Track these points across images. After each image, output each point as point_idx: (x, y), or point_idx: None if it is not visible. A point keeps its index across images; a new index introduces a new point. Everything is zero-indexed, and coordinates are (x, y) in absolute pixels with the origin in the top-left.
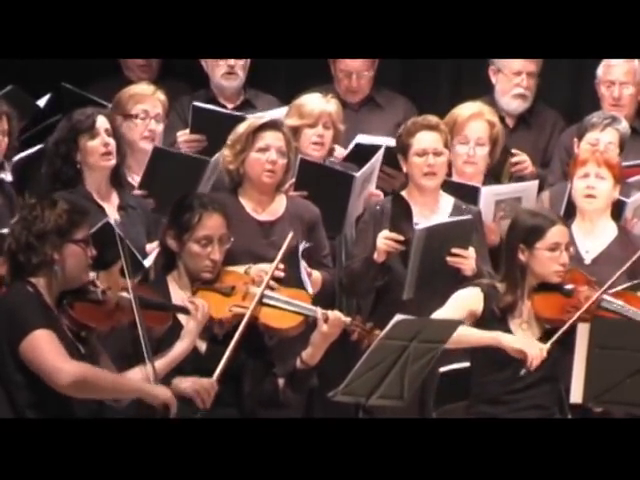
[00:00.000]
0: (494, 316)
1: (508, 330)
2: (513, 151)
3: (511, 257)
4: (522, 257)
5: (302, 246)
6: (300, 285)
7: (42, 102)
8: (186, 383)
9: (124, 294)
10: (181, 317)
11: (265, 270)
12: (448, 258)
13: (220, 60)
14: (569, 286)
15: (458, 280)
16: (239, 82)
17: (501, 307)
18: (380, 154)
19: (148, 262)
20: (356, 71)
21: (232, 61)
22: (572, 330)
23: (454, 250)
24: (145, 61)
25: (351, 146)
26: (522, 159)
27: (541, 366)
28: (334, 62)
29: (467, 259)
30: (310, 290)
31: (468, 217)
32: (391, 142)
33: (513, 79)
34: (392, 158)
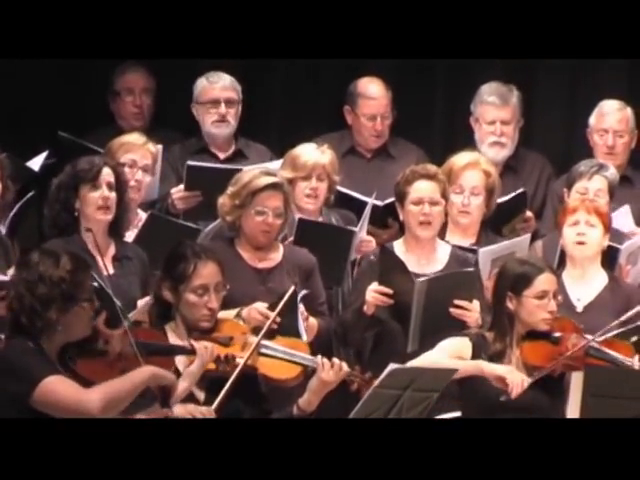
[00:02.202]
0: None
1: None
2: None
3: (499, 305)
4: (510, 305)
5: (300, 294)
6: (296, 332)
7: (35, 163)
8: (185, 408)
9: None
10: (178, 363)
11: (258, 309)
12: (452, 310)
13: (211, 108)
14: (557, 334)
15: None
16: (230, 130)
17: (490, 355)
18: (371, 204)
19: (134, 314)
20: (380, 113)
21: (223, 109)
22: (560, 377)
23: (458, 302)
24: (138, 109)
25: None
26: (530, 216)
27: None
28: (354, 109)
29: (471, 311)
30: (305, 338)
31: (471, 269)
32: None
33: (488, 128)
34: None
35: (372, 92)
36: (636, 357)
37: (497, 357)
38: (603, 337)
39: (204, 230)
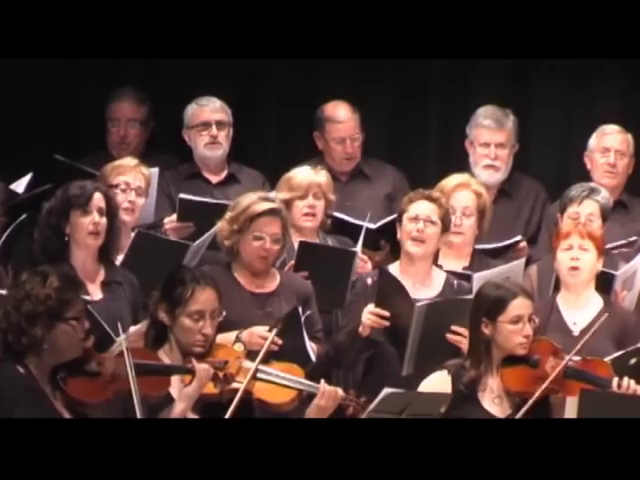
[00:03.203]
0: (464, 394)
1: (480, 407)
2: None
3: (475, 331)
4: (486, 331)
5: (304, 315)
6: (302, 353)
7: (18, 186)
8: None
9: (121, 361)
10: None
11: (258, 333)
12: (448, 335)
13: (202, 130)
14: (535, 357)
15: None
16: (222, 152)
17: (465, 382)
18: (365, 226)
19: (123, 337)
20: (349, 135)
21: (214, 130)
22: (543, 401)
23: (455, 328)
24: (121, 139)
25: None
26: (524, 246)
27: None
28: (322, 133)
29: (467, 338)
30: (313, 358)
31: (470, 296)
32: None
33: (482, 151)
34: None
35: (339, 116)
36: (615, 379)
37: (472, 384)
38: (579, 357)
39: (192, 245)
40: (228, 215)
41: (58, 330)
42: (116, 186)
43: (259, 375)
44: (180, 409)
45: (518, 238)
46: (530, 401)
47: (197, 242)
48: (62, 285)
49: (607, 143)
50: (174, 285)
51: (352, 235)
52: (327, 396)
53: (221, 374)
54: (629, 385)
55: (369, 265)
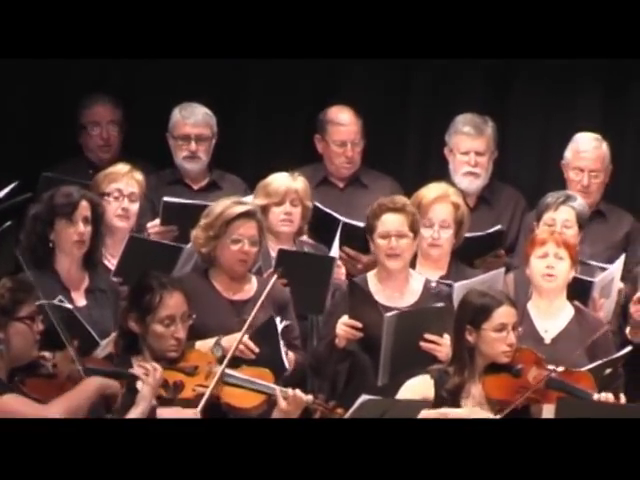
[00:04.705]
0: (445, 400)
1: None
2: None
3: (459, 338)
4: (470, 338)
5: (281, 325)
6: (275, 364)
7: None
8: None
9: (75, 366)
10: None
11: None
12: (422, 344)
13: (183, 144)
14: (518, 366)
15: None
16: (200, 165)
17: (448, 389)
18: (340, 227)
19: (103, 347)
20: (350, 140)
21: (193, 146)
22: (524, 411)
23: (428, 336)
24: (104, 141)
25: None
26: (502, 253)
27: None
28: (324, 136)
29: (442, 346)
30: (287, 366)
31: (443, 305)
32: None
33: (462, 158)
34: (354, 238)
35: (342, 119)
36: (595, 390)
37: (455, 391)
38: (562, 368)
39: (185, 247)
40: (202, 222)
41: (12, 329)
42: (109, 194)
43: (226, 379)
44: (138, 412)
45: (498, 228)
46: (508, 409)
47: (190, 244)
48: (14, 286)
49: (581, 163)
50: (142, 293)
51: (330, 231)
52: (290, 400)
53: (171, 382)
54: (607, 399)
55: (343, 270)
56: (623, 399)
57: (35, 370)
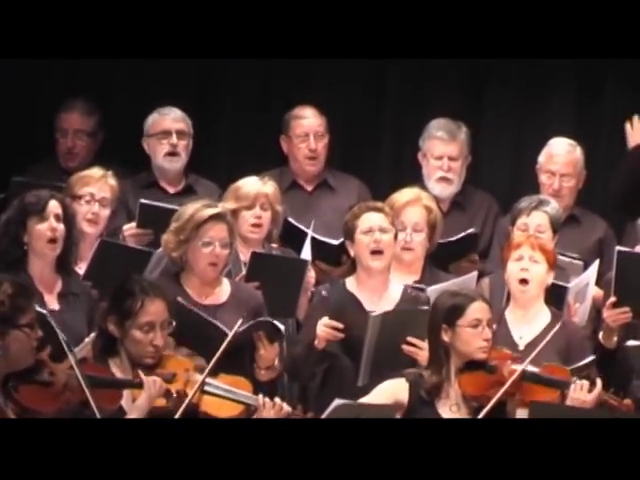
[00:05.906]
0: (422, 402)
1: (437, 414)
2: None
3: (435, 339)
4: (445, 337)
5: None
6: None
7: None
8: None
9: (73, 373)
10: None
11: None
12: (404, 346)
13: (163, 139)
14: (493, 362)
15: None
16: (181, 164)
17: (427, 389)
18: (310, 235)
19: (80, 349)
20: (313, 132)
21: (174, 140)
22: (501, 406)
23: (410, 339)
24: (68, 150)
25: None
26: (476, 258)
27: None
28: (287, 133)
29: (422, 349)
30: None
31: (425, 307)
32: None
33: (435, 163)
34: (324, 252)
35: (304, 113)
36: (574, 379)
37: (433, 391)
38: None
39: (155, 252)
40: (173, 226)
41: (11, 337)
42: (80, 197)
43: (206, 388)
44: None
45: (471, 230)
46: (488, 406)
47: (160, 249)
48: (15, 292)
49: (553, 167)
50: (123, 297)
51: (300, 242)
52: (269, 410)
53: (174, 390)
54: (583, 386)
55: (312, 273)
56: (599, 384)
57: (31, 376)
